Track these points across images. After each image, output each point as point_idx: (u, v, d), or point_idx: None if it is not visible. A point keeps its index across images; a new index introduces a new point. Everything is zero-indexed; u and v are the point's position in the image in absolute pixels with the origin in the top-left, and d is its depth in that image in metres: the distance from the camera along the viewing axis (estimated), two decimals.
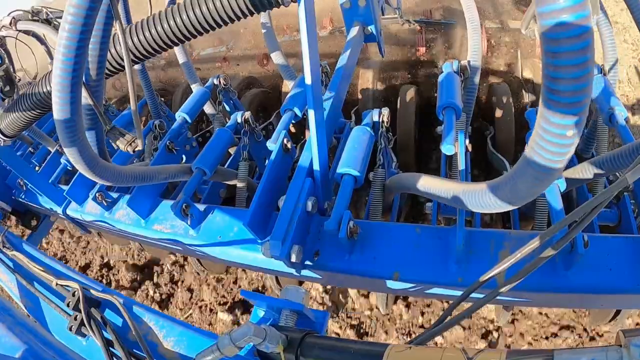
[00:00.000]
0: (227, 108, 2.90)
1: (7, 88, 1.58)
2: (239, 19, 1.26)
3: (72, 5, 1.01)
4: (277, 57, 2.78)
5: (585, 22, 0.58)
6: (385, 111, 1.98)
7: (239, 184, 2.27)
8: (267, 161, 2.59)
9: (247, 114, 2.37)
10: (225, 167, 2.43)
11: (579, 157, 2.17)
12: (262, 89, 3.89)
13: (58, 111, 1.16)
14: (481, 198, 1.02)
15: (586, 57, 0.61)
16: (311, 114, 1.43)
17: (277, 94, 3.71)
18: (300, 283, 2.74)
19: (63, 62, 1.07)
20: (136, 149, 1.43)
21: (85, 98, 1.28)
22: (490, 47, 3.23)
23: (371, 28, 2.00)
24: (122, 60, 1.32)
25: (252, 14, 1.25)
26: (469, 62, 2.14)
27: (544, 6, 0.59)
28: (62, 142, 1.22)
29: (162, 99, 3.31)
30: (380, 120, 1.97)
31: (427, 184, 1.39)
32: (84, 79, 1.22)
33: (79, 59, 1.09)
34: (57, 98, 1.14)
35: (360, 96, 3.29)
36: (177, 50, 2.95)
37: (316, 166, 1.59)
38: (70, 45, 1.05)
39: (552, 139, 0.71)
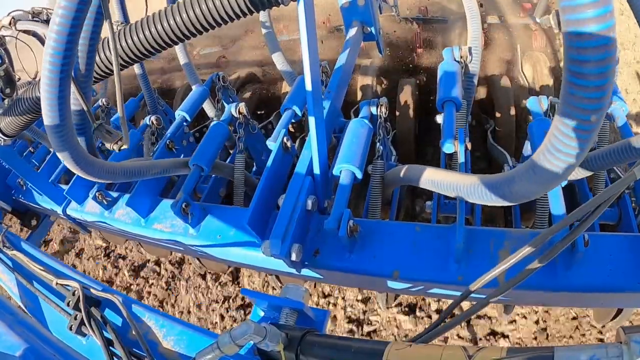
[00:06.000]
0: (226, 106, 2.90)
1: (8, 89, 1.57)
2: (238, 18, 1.25)
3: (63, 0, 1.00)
4: (278, 59, 2.76)
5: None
6: (383, 101, 1.97)
7: (236, 177, 2.24)
8: (264, 154, 2.59)
9: (242, 106, 2.34)
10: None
11: None
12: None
13: (46, 107, 1.15)
14: (495, 191, 1.01)
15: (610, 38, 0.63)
16: (311, 113, 1.43)
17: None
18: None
19: (52, 55, 1.06)
20: (122, 148, 1.42)
21: (73, 96, 1.27)
22: (488, 41, 3.23)
23: (370, 27, 2.00)
24: (122, 59, 1.32)
25: (251, 13, 1.25)
26: (469, 48, 2.09)
27: None
28: (50, 138, 1.21)
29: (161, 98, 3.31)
30: (379, 112, 1.96)
31: (430, 176, 1.38)
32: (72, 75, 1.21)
33: (69, 52, 1.07)
34: (46, 93, 1.13)
35: (360, 94, 3.29)
36: (177, 50, 2.94)
37: (316, 165, 1.59)
38: (60, 39, 1.04)
39: (575, 125, 0.71)
